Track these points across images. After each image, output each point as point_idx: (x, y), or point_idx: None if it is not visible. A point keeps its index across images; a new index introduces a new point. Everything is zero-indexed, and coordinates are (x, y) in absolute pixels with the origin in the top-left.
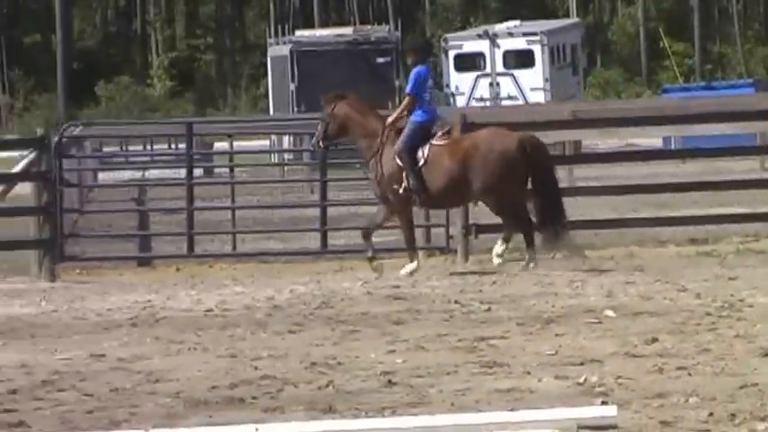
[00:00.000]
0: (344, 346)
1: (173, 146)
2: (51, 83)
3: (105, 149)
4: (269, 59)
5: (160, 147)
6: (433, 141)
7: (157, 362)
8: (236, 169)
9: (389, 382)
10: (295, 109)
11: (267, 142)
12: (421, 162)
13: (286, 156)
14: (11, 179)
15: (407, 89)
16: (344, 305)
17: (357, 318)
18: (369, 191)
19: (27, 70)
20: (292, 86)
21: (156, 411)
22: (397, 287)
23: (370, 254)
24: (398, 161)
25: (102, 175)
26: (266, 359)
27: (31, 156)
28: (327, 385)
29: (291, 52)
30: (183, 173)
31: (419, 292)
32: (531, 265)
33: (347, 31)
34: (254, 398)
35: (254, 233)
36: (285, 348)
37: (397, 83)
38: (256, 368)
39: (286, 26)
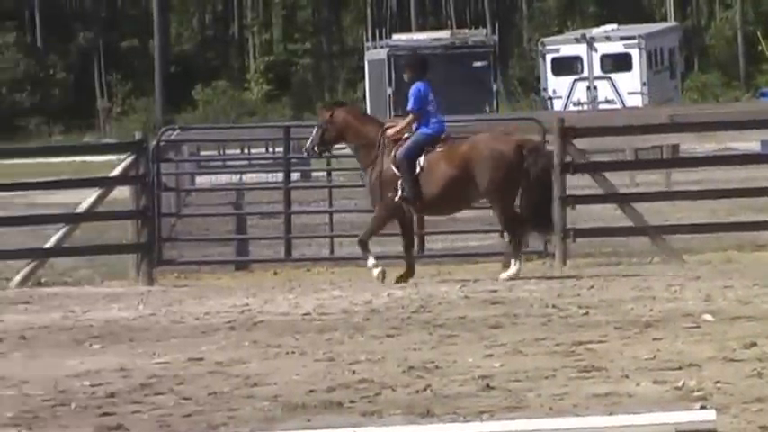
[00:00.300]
0: (442, 350)
1: (270, 150)
2: (149, 87)
3: (202, 153)
4: (366, 63)
5: (257, 151)
6: (430, 149)
7: (255, 366)
8: (334, 173)
9: (487, 386)
10: (392, 113)
11: None
12: (418, 170)
13: None
14: (109, 183)
15: (409, 107)
16: (442, 309)
17: (454, 322)
18: None
19: (125, 74)
20: (389, 90)
21: (254, 415)
22: (495, 291)
23: (370, 262)
24: (395, 169)
25: (199, 179)
26: (364, 363)
27: (129, 160)
28: (425, 389)
29: (389, 56)
30: (280, 177)
31: (517, 297)
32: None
33: (444, 34)
34: (351, 402)
35: (351, 237)
36: (383, 352)
37: (494, 87)
38: (354, 372)
39: (383, 30)
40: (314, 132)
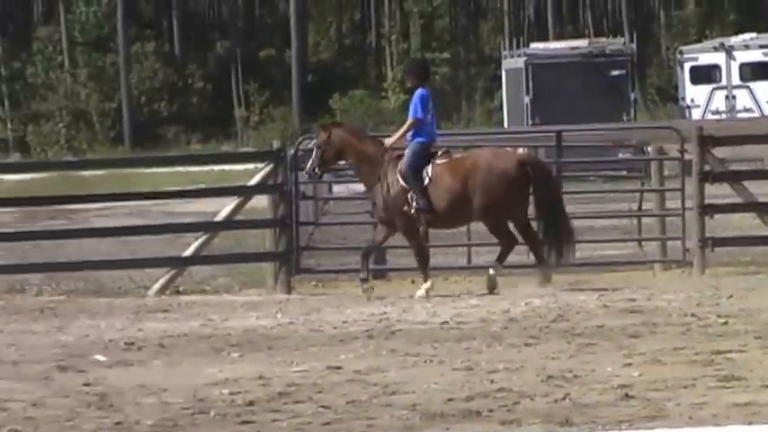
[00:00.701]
0: (580, 359)
1: None
2: (286, 96)
3: (340, 162)
4: (503, 72)
5: None
6: (436, 161)
7: (393, 374)
8: None
9: (626, 395)
10: (530, 122)
11: None
12: (426, 181)
13: None
14: (247, 192)
15: (412, 114)
16: (580, 318)
17: (593, 331)
18: (604, 203)
19: (262, 83)
20: (527, 99)
21: (393, 424)
22: (633, 300)
23: (363, 275)
24: (403, 183)
25: (336, 188)
26: (502, 372)
27: (268, 168)
28: (564, 398)
29: (526, 65)
30: None
31: (655, 306)
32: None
33: (582, 43)
34: (490, 411)
35: (488, 246)
36: (521, 361)
37: (632, 96)
38: (492, 381)
39: (521, 39)
40: (313, 154)
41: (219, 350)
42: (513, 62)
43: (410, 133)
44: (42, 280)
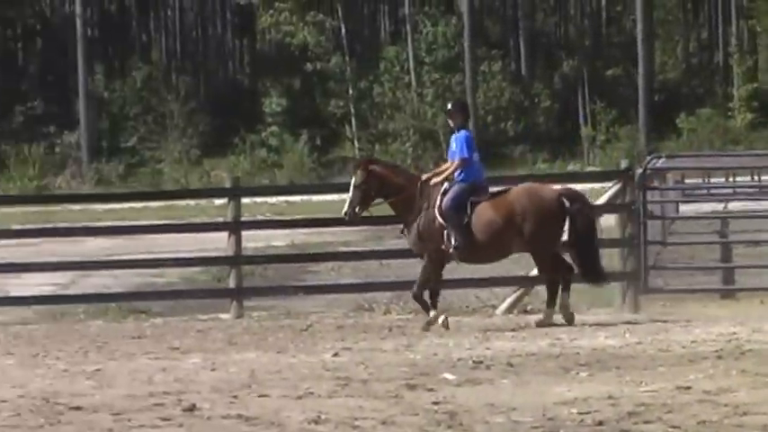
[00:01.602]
0: None
1: (755, 178)
2: (632, 115)
3: (687, 181)
4: None
5: (742, 179)
6: (474, 198)
7: (744, 395)
8: None
9: None
10: None
11: None
12: (465, 219)
13: None
14: (596, 210)
15: (460, 153)
16: None
17: None
18: None
19: (609, 102)
20: None
21: None
22: None
23: (431, 314)
24: (441, 219)
25: (683, 207)
26: None
27: (615, 188)
28: None
29: None
30: (766, 205)
31: None
32: (542, 317)
33: None
34: None
35: None
36: None
37: None
38: None
39: None
40: (351, 194)
41: (568, 369)
42: None
43: (457, 173)
44: (390, 299)
